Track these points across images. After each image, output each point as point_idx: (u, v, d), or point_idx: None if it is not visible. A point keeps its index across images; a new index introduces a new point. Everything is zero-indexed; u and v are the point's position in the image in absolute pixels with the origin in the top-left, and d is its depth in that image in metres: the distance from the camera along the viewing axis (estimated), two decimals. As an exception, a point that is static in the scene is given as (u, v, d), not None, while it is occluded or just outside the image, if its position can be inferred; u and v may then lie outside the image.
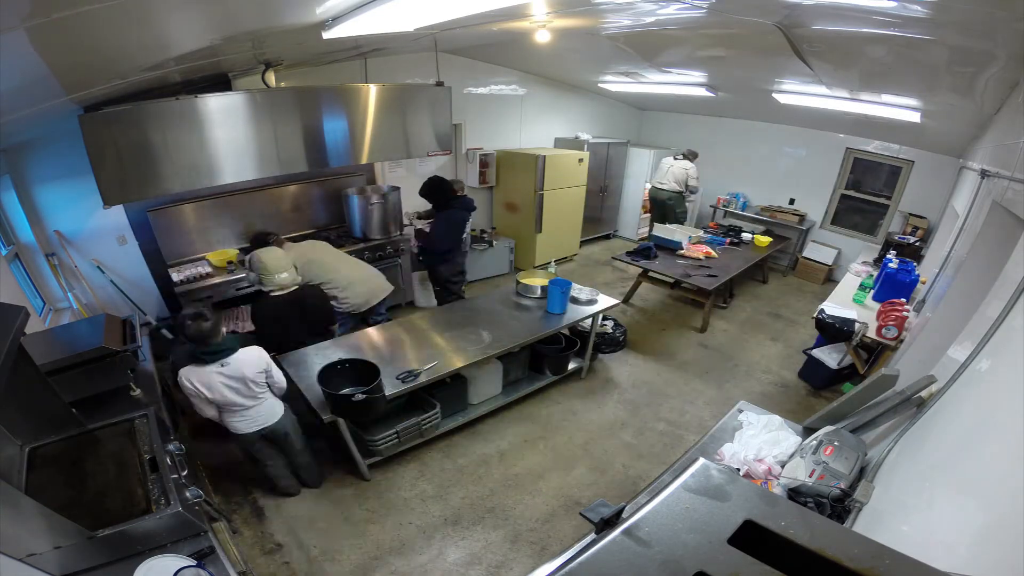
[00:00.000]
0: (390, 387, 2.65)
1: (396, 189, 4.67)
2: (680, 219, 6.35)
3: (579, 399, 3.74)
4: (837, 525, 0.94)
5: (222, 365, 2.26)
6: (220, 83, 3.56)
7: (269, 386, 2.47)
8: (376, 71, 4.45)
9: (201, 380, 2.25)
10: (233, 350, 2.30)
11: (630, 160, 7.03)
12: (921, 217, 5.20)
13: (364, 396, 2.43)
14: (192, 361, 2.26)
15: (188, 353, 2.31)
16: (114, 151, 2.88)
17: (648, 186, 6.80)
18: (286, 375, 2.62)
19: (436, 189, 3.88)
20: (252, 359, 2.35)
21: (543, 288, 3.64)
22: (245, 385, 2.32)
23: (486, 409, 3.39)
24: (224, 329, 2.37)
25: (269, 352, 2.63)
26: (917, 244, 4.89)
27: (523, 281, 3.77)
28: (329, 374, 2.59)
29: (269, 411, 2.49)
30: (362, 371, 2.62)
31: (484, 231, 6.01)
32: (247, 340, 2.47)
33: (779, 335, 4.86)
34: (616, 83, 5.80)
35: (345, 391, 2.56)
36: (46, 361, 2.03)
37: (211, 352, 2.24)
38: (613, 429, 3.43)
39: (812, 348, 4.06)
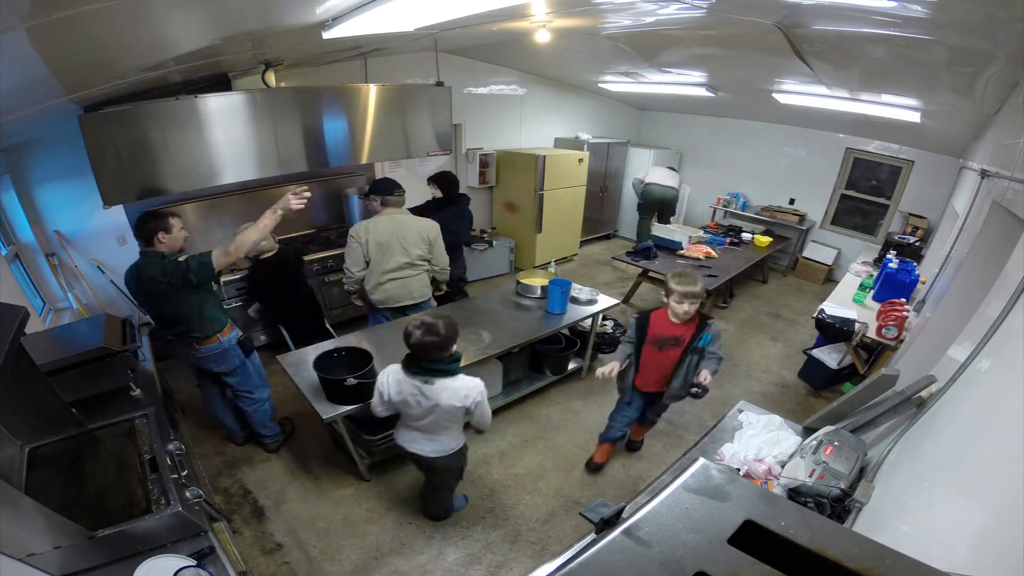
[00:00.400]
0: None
1: (396, 189, 4.66)
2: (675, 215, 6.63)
3: (579, 399, 3.74)
4: (837, 525, 0.94)
5: (425, 382, 2.05)
6: (220, 83, 3.56)
7: (469, 416, 2.19)
8: (376, 71, 4.45)
9: (395, 382, 2.09)
10: (449, 374, 2.07)
11: (630, 160, 7.03)
12: (921, 217, 5.20)
13: (357, 380, 2.43)
14: (404, 366, 2.10)
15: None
16: (114, 151, 2.88)
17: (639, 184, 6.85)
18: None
19: (450, 181, 3.87)
20: (458, 390, 2.08)
21: (543, 288, 3.63)
22: (431, 413, 2.12)
23: (486, 409, 3.39)
24: (454, 348, 2.08)
25: (279, 313, 3.09)
26: (917, 244, 4.89)
27: (523, 281, 3.77)
28: (327, 365, 2.58)
29: (440, 443, 2.26)
30: (359, 363, 2.61)
31: (484, 231, 6.01)
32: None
33: (779, 335, 4.86)
34: (616, 83, 5.80)
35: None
36: (46, 361, 2.03)
37: (424, 368, 2.04)
38: (613, 429, 3.43)
39: (812, 348, 4.06)
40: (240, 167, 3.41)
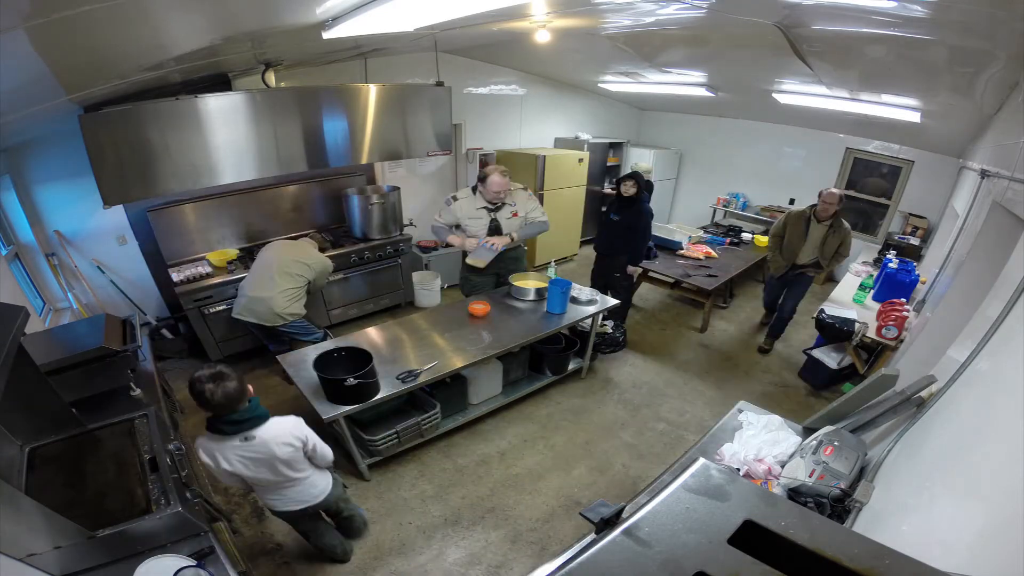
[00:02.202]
0: (391, 387, 2.65)
1: (396, 189, 4.67)
2: None
3: (579, 399, 3.74)
4: (837, 525, 0.94)
5: (245, 439, 1.76)
6: (220, 83, 3.56)
7: (310, 459, 2.01)
8: (376, 71, 4.45)
9: (219, 452, 1.76)
10: (263, 419, 1.79)
11: (630, 160, 7.03)
12: (921, 217, 5.20)
13: (357, 380, 2.43)
14: (209, 428, 1.75)
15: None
16: (114, 151, 2.88)
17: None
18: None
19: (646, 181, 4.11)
20: (283, 431, 1.85)
21: (537, 291, 3.61)
22: (273, 468, 1.84)
23: (486, 409, 3.39)
24: (250, 388, 1.80)
25: None
26: (917, 244, 4.89)
27: (516, 284, 3.69)
28: (327, 365, 2.58)
29: (311, 489, 2.03)
30: (359, 363, 2.62)
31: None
32: None
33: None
34: (616, 83, 5.80)
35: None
36: (46, 361, 2.03)
37: (233, 422, 1.73)
38: (613, 429, 3.43)
39: (812, 348, 4.06)
40: (240, 167, 3.41)
